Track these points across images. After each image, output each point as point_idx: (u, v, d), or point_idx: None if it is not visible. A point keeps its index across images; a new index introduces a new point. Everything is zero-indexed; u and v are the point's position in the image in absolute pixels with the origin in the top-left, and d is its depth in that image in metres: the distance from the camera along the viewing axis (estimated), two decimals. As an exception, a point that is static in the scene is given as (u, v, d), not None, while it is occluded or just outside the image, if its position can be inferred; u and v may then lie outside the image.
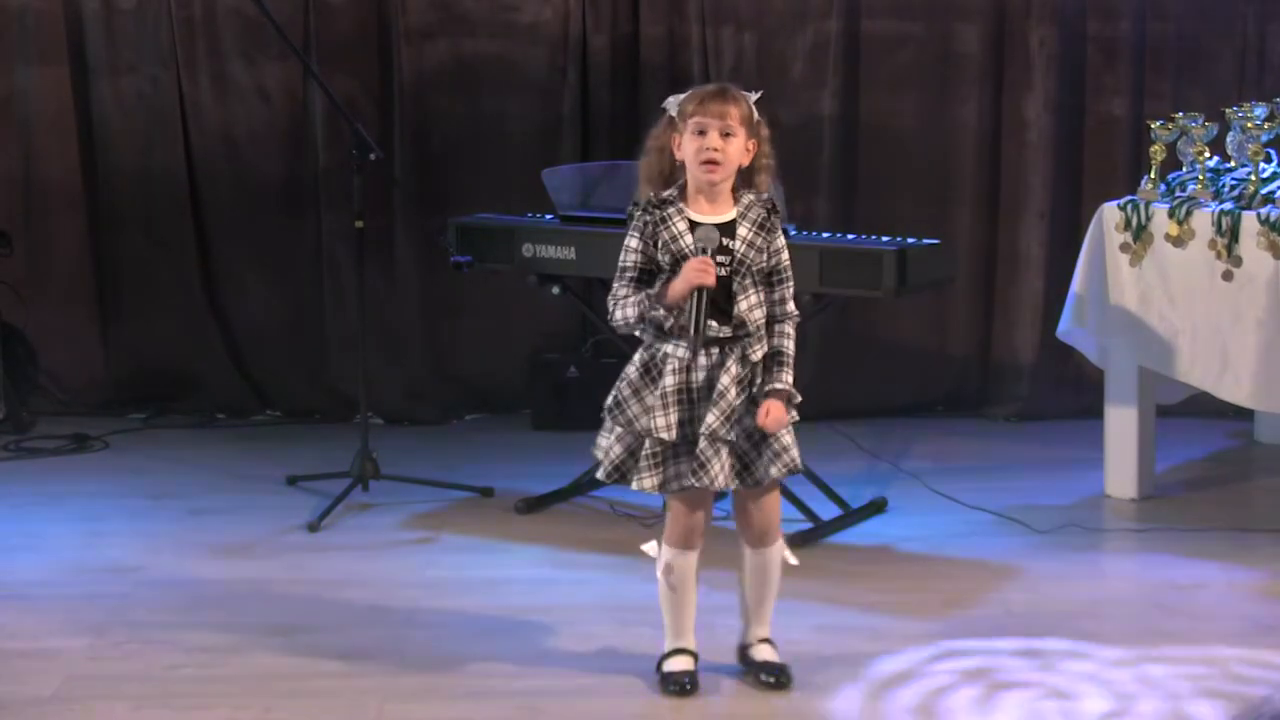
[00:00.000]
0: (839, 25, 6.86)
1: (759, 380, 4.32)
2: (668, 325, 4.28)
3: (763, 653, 4.51)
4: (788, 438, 4.34)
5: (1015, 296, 6.96)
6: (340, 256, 6.87)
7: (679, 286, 4.24)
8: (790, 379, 4.34)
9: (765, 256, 4.33)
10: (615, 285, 4.34)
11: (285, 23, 6.31)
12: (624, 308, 4.31)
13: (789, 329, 4.36)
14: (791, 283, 4.38)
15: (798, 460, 4.35)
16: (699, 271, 4.22)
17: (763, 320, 4.33)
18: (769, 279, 4.35)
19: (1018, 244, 6.93)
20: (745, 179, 4.36)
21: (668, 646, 4.48)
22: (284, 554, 5.48)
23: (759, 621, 4.53)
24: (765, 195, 4.36)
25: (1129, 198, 5.81)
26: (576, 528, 5.72)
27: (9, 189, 6.95)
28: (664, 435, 4.28)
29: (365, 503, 5.89)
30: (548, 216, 5.92)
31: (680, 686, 4.42)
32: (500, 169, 6.85)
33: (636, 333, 4.38)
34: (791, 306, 4.38)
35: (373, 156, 5.78)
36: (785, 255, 4.37)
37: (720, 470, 4.28)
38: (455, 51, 6.93)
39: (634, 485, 4.34)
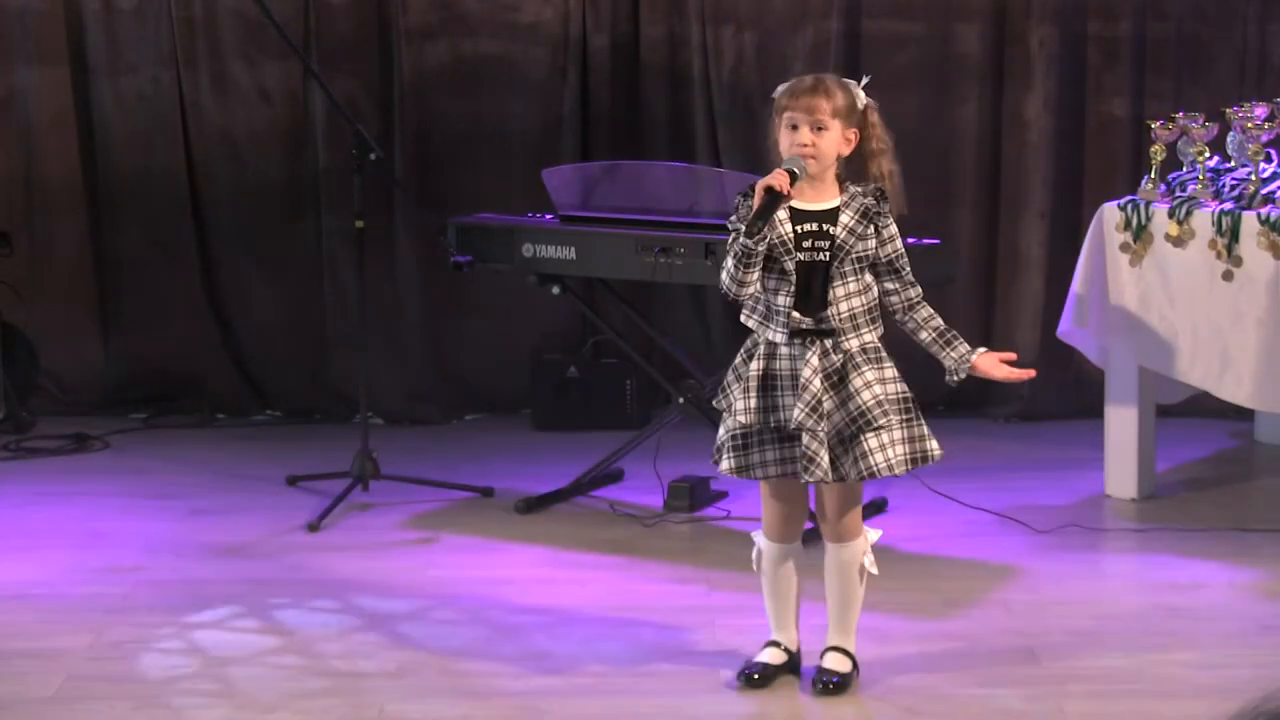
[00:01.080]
0: (839, 25, 6.86)
1: (851, 375, 4.28)
2: (750, 243, 4.19)
3: (829, 660, 4.46)
4: (874, 443, 4.29)
5: (1015, 296, 6.96)
6: (340, 256, 6.88)
7: (755, 201, 4.21)
8: (967, 346, 4.36)
9: (873, 244, 4.29)
10: (725, 259, 4.30)
11: (285, 23, 6.31)
12: (725, 267, 4.27)
13: (930, 310, 4.37)
14: (909, 268, 4.36)
15: (879, 467, 4.29)
16: (772, 176, 4.20)
17: (859, 309, 4.30)
18: (890, 266, 4.33)
19: (1018, 244, 6.93)
20: (854, 167, 4.34)
21: (770, 635, 4.50)
22: (284, 554, 5.48)
23: (835, 624, 4.48)
24: (873, 185, 4.33)
25: (1129, 198, 5.81)
26: (576, 528, 5.72)
27: (9, 189, 6.95)
28: (740, 418, 4.29)
29: (365, 503, 5.89)
30: (548, 216, 5.92)
31: (747, 677, 4.43)
32: (500, 169, 6.85)
33: (744, 319, 4.35)
34: (917, 289, 4.37)
35: (373, 156, 5.78)
36: (899, 242, 4.34)
37: (828, 464, 4.26)
38: (455, 51, 6.93)
39: (719, 467, 4.35)
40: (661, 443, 5.89)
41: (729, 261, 4.26)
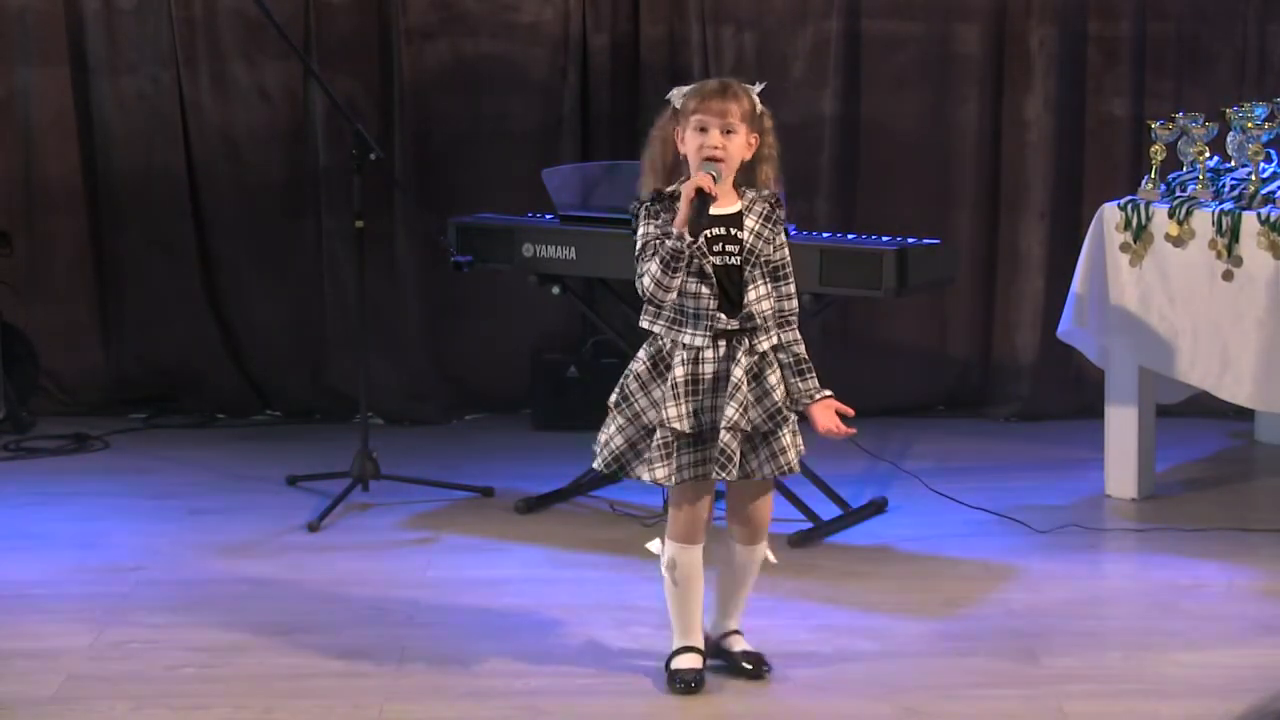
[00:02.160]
0: (839, 25, 6.86)
1: (767, 372, 4.32)
2: (682, 246, 4.21)
3: (739, 643, 4.54)
4: (787, 439, 4.35)
5: (1015, 296, 6.96)
6: (340, 256, 6.88)
7: (682, 205, 4.22)
8: (816, 382, 4.37)
9: (771, 249, 4.35)
10: (639, 265, 4.31)
11: (285, 23, 6.31)
12: (648, 272, 4.27)
13: (797, 333, 4.38)
14: (793, 279, 4.40)
15: (794, 463, 4.36)
16: (698, 179, 4.22)
17: (770, 311, 4.34)
18: (775, 274, 4.36)
19: (1018, 244, 6.93)
20: (748, 172, 4.38)
21: (675, 644, 4.48)
22: (284, 554, 5.48)
23: (733, 614, 4.55)
24: (767, 191, 4.38)
25: (1129, 198, 5.81)
26: (576, 528, 5.72)
27: (9, 189, 6.95)
28: (676, 425, 4.29)
29: (365, 503, 5.89)
30: (548, 216, 5.92)
31: (686, 684, 4.42)
32: (500, 169, 6.85)
33: (648, 323, 4.36)
34: (795, 302, 4.40)
35: (373, 156, 5.78)
36: (786, 250, 4.40)
37: (738, 460, 4.30)
38: (455, 51, 6.93)
39: (645, 477, 4.34)
40: (661, 443, 5.88)
41: (653, 267, 4.26)
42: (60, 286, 7.01)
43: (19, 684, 4.50)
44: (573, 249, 5.76)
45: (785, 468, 4.35)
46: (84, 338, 7.04)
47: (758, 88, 4.40)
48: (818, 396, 4.36)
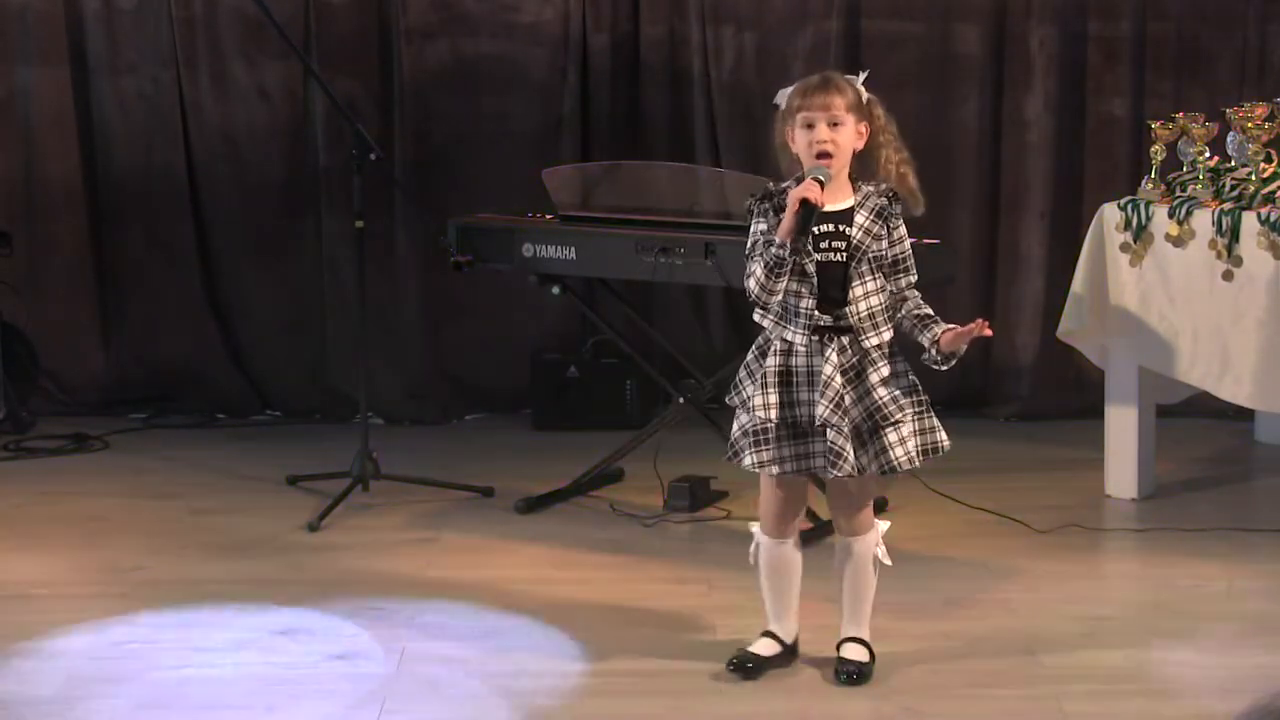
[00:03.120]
0: (839, 25, 6.86)
1: (869, 371, 4.32)
2: (784, 255, 4.22)
3: (847, 650, 4.51)
4: (893, 437, 4.32)
5: (1015, 296, 6.96)
6: (340, 256, 6.87)
7: (787, 215, 4.23)
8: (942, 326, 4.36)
9: (885, 245, 4.34)
10: (747, 265, 4.32)
11: (285, 23, 6.31)
12: (753, 274, 4.28)
13: (921, 302, 4.39)
14: (914, 269, 4.40)
15: (900, 461, 4.33)
16: (804, 188, 4.22)
17: (877, 308, 4.33)
18: (894, 267, 4.36)
19: (1018, 244, 6.93)
20: (863, 162, 4.38)
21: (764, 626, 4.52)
22: (284, 554, 5.48)
23: (849, 615, 4.52)
24: (885, 185, 4.37)
25: (1129, 198, 5.81)
26: (576, 528, 5.72)
27: (9, 189, 6.95)
28: (761, 414, 4.31)
29: (365, 503, 5.89)
30: (548, 216, 5.92)
31: (739, 664, 4.45)
32: (500, 169, 6.85)
33: (757, 318, 4.37)
34: (912, 283, 4.39)
35: (373, 156, 5.78)
36: (908, 244, 4.39)
37: (853, 458, 4.29)
38: (455, 51, 6.93)
39: (745, 463, 4.36)
40: (661, 443, 5.89)
41: (758, 270, 4.28)
42: (60, 286, 7.01)
43: (19, 684, 4.50)
44: (573, 249, 5.76)
45: (887, 465, 4.33)
46: (84, 338, 7.04)
47: (861, 77, 4.40)
48: (939, 332, 4.32)
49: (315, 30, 6.84)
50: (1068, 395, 6.91)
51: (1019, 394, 6.99)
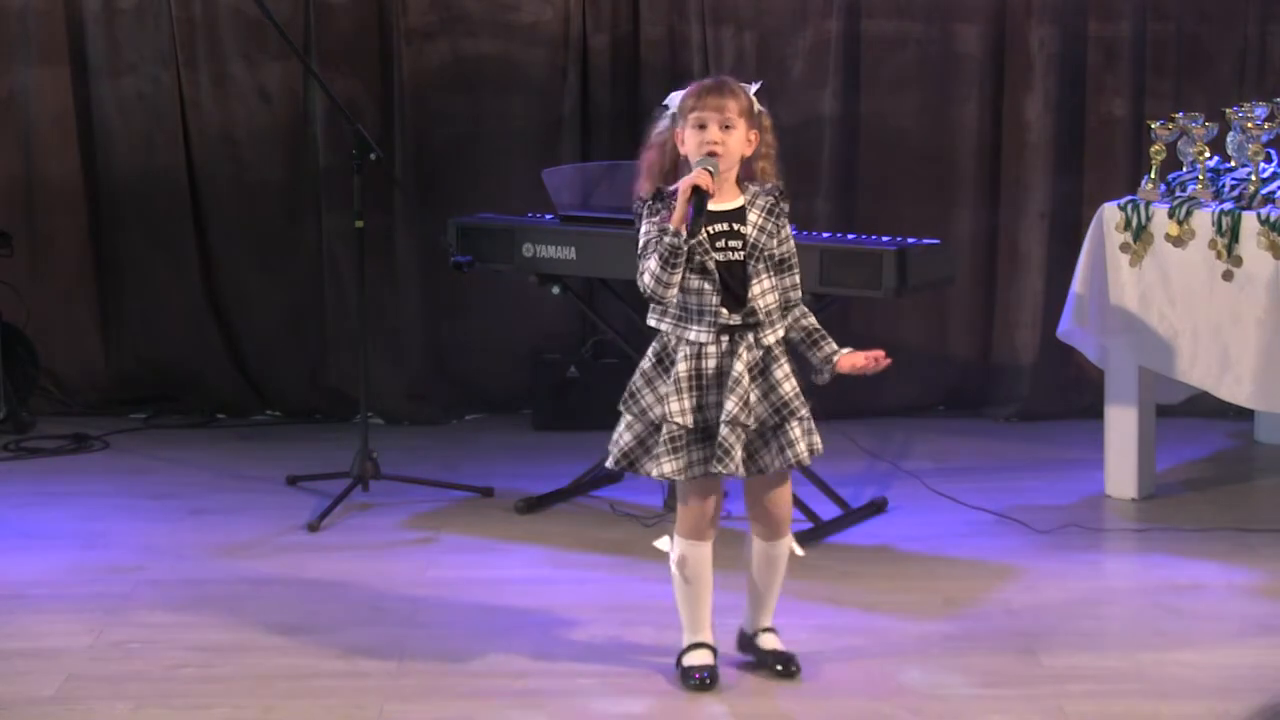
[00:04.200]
0: (839, 25, 6.86)
1: (773, 367, 4.33)
2: (679, 243, 4.22)
3: (769, 641, 4.54)
4: (797, 431, 4.35)
5: (1015, 296, 6.96)
6: (340, 256, 6.88)
7: (679, 203, 4.23)
8: (835, 345, 4.39)
9: (775, 243, 4.36)
10: (640, 263, 4.33)
11: (285, 23, 6.31)
12: (648, 270, 4.28)
13: (803, 308, 4.41)
14: (798, 269, 4.42)
15: (804, 455, 4.37)
16: (694, 175, 4.23)
17: (774, 306, 4.35)
18: (780, 266, 4.38)
19: (1018, 244, 6.93)
20: (748, 169, 4.40)
21: (686, 641, 4.49)
22: (284, 554, 5.48)
23: (765, 611, 4.56)
24: (770, 184, 4.39)
25: (1129, 198, 5.81)
26: (576, 528, 5.72)
27: (9, 189, 6.95)
28: (678, 420, 4.30)
29: (365, 503, 5.89)
30: (548, 216, 5.92)
31: (701, 681, 4.43)
32: (500, 169, 6.85)
33: (654, 321, 4.38)
34: (799, 291, 4.42)
35: (373, 156, 5.78)
36: (792, 242, 4.42)
37: (741, 457, 4.30)
38: (455, 51, 6.93)
39: (654, 473, 4.35)
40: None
41: (652, 264, 4.27)
42: (60, 287, 7.01)
43: (19, 684, 4.50)
44: (573, 249, 5.76)
45: (794, 460, 4.35)
46: (84, 338, 7.04)
47: (754, 86, 4.42)
48: (839, 356, 4.37)
49: (315, 30, 6.84)
50: (1068, 395, 6.91)
51: (1019, 394, 6.99)
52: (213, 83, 6.90)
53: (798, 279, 4.42)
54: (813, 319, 4.42)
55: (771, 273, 4.36)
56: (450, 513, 5.87)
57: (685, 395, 4.32)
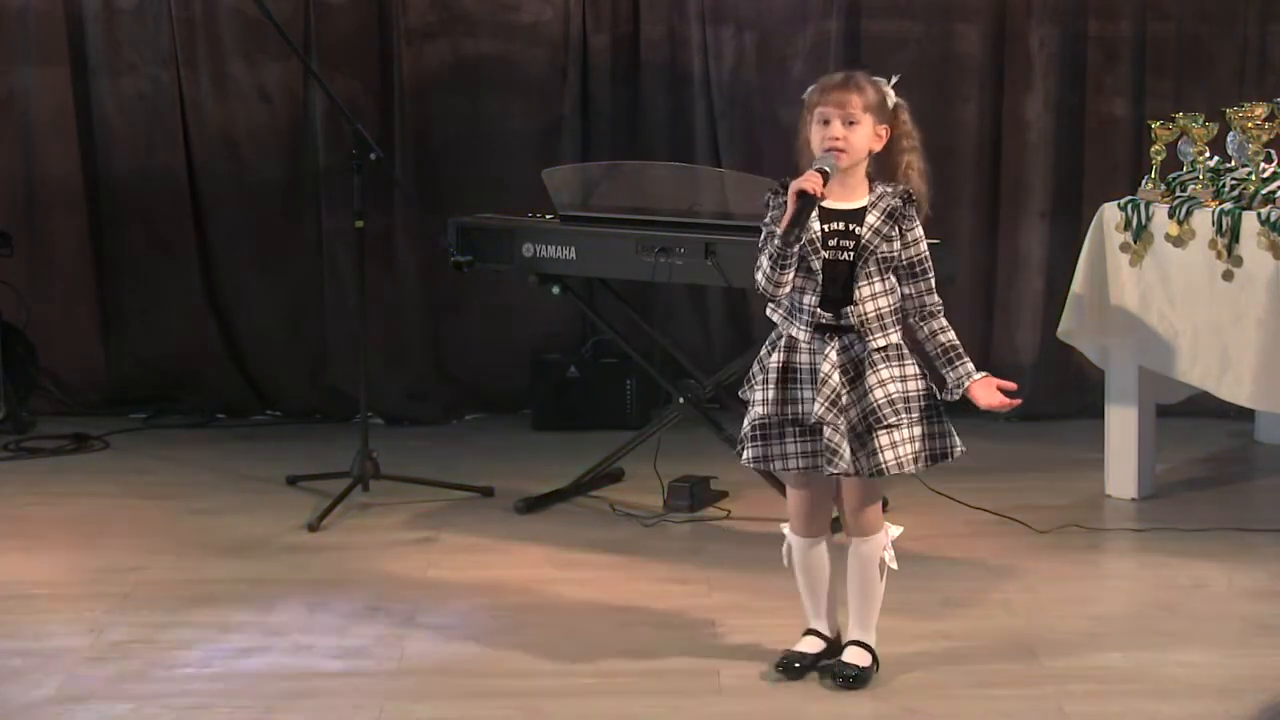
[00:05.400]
0: (839, 25, 6.86)
1: (868, 373, 4.31)
2: (784, 245, 4.22)
3: (849, 654, 4.49)
4: (884, 440, 4.31)
5: (1015, 296, 6.96)
6: (340, 256, 6.88)
7: (789, 205, 4.21)
8: (973, 366, 4.36)
9: (897, 246, 4.32)
10: (758, 258, 4.32)
11: (285, 23, 6.31)
12: (760, 267, 4.29)
13: (944, 322, 4.38)
14: (932, 273, 4.39)
15: (888, 465, 4.31)
16: (804, 179, 4.21)
17: (885, 310, 4.32)
18: (909, 270, 4.36)
19: (1018, 244, 6.93)
20: (883, 165, 4.37)
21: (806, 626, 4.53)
22: (284, 554, 5.48)
23: (853, 619, 4.51)
24: (901, 186, 4.35)
25: (1129, 198, 5.81)
26: (576, 528, 5.72)
27: (9, 189, 6.95)
28: (759, 409, 4.32)
29: (365, 503, 5.89)
30: (548, 216, 5.92)
31: (786, 666, 4.46)
32: (500, 169, 6.85)
33: (769, 312, 4.38)
34: (936, 297, 4.39)
35: (373, 156, 5.78)
36: (924, 245, 4.37)
37: (849, 456, 4.29)
38: (455, 51, 6.93)
39: (740, 458, 4.38)
40: (661, 443, 5.88)
41: (764, 262, 4.29)
42: (60, 286, 7.01)
43: (19, 684, 4.50)
44: (573, 249, 5.76)
45: (875, 468, 4.32)
46: (84, 337, 7.04)
47: (892, 80, 4.38)
48: (973, 379, 4.36)
49: (315, 30, 6.84)
50: (1068, 395, 6.91)
51: (1019, 394, 6.97)
52: (213, 83, 6.90)
53: (929, 285, 4.37)
54: (951, 335, 4.38)
55: (887, 276, 4.31)
56: (450, 513, 5.87)
57: (771, 386, 4.32)
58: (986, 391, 4.37)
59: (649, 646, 4.68)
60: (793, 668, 4.46)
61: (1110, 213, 5.81)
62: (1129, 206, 5.76)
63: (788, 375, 4.33)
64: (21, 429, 6.76)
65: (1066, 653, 4.66)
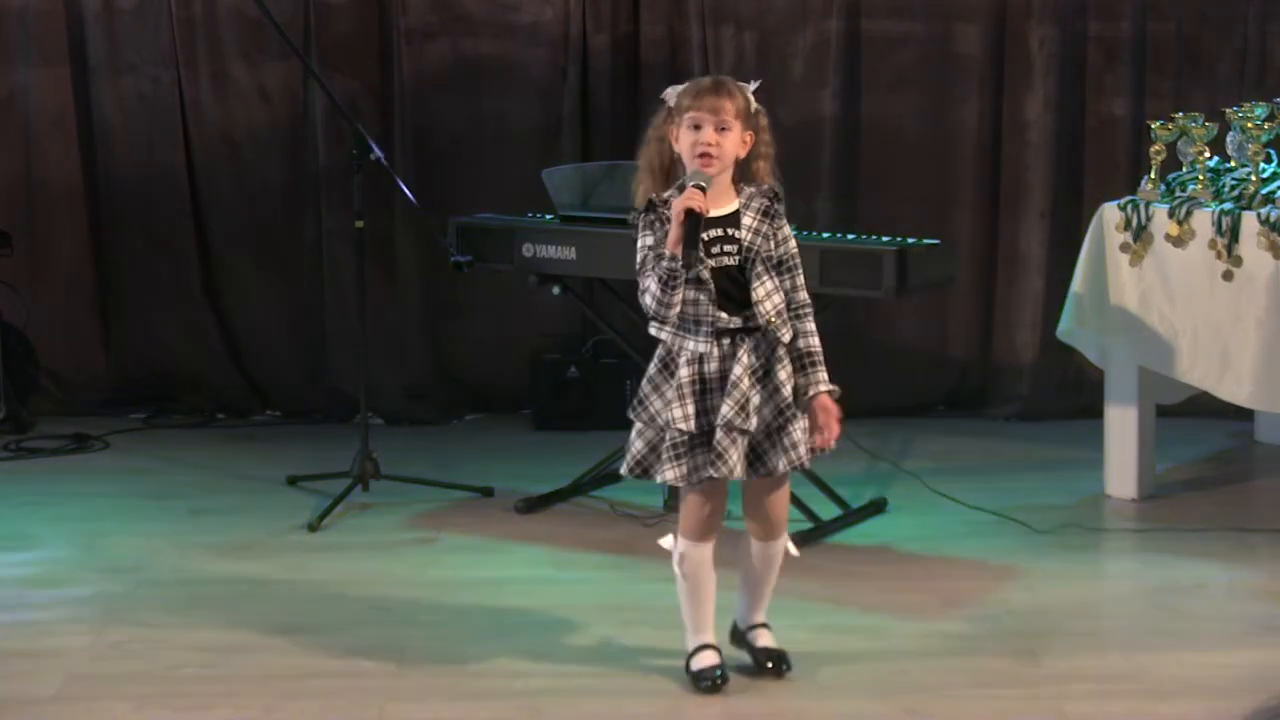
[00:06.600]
0: (839, 25, 6.86)
1: (776, 369, 4.32)
2: (677, 267, 4.21)
3: (762, 638, 4.54)
4: (798, 433, 4.34)
5: (1015, 296, 6.96)
6: (340, 256, 6.88)
7: (673, 227, 4.21)
8: (826, 375, 4.35)
9: (773, 244, 4.33)
10: (640, 281, 4.31)
11: (285, 23, 6.31)
12: (649, 291, 4.28)
13: (811, 325, 4.37)
14: (801, 270, 4.39)
15: (805, 457, 4.36)
16: (686, 198, 4.21)
17: (782, 306, 4.32)
18: (779, 267, 4.35)
19: (1018, 244, 6.93)
20: (743, 170, 4.37)
21: (691, 644, 4.48)
22: (284, 554, 5.48)
23: (759, 607, 4.56)
24: (766, 186, 4.37)
25: (1129, 198, 5.81)
26: (576, 528, 5.72)
27: (9, 189, 6.95)
28: (681, 426, 4.29)
29: (365, 503, 5.89)
30: (548, 216, 5.93)
31: (712, 682, 4.42)
32: (500, 169, 6.85)
33: (654, 331, 4.36)
34: (805, 294, 4.39)
35: (373, 156, 5.78)
36: (793, 243, 4.38)
37: (737, 460, 4.29)
38: (455, 51, 6.93)
39: (657, 478, 4.35)
40: (661, 443, 5.88)
41: (652, 285, 4.26)
42: (60, 286, 7.01)
43: (19, 684, 4.50)
44: (573, 249, 5.76)
45: (795, 461, 4.34)
46: (84, 338, 7.04)
47: (753, 85, 4.39)
48: (813, 392, 4.34)
49: (315, 30, 6.84)
50: (1068, 395, 6.91)
51: (1019, 394, 6.99)
52: (213, 83, 6.90)
53: (799, 281, 4.38)
54: (813, 340, 4.36)
55: (773, 274, 4.33)
56: (450, 513, 5.87)
57: (687, 401, 4.30)
58: (823, 410, 4.33)
59: (649, 646, 4.68)
60: (715, 684, 4.42)
61: (1110, 213, 5.81)
62: (1129, 206, 5.76)
63: (699, 389, 4.31)
64: (21, 429, 6.76)
65: (1066, 653, 4.66)
